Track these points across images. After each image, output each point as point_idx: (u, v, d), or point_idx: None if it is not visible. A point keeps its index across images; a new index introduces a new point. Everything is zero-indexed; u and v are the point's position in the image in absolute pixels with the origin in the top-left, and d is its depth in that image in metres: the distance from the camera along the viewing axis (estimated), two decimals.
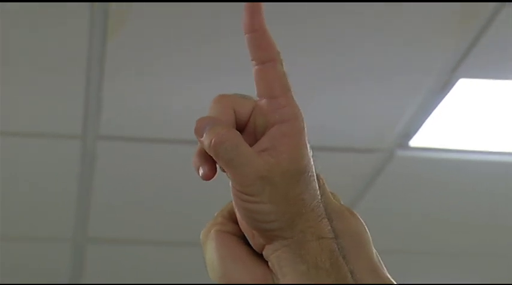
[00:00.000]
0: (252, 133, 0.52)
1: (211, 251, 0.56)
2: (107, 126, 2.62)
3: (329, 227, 0.53)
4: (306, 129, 0.51)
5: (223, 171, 0.50)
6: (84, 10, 2.05)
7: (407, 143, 2.58)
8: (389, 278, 0.61)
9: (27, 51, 2.26)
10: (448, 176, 2.91)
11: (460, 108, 2.48)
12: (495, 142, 2.68)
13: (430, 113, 2.39)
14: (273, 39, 0.52)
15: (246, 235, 0.54)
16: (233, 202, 0.52)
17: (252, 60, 0.52)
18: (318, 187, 0.52)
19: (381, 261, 0.59)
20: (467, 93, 2.40)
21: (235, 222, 0.54)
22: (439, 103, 2.33)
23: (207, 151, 0.49)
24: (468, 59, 2.17)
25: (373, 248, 0.60)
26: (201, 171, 0.51)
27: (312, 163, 0.52)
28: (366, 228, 0.61)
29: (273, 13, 2.20)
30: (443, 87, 2.32)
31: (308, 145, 0.52)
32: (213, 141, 0.49)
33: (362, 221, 0.60)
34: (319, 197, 0.53)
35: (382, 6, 1.95)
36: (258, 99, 0.51)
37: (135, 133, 2.54)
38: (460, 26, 2.04)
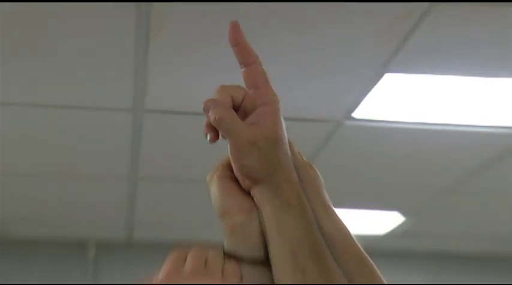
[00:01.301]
0: (244, 112, 0.65)
1: (214, 189, 0.73)
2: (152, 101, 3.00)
3: (296, 176, 0.69)
4: (281, 109, 0.67)
5: (224, 138, 0.65)
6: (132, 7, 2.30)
7: (351, 115, 2.96)
8: (334, 211, 0.80)
9: (90, 41, 2.51)
10: (385, 142, 3.36)
11: (394, 89, 2.85)
12: (422, 115, 3.07)
13: (370, 91, 2.75)
14: (251, 47, 0.67)
15: (238, 179, 0.71)
16: (230, 157, 0.68)
17: (240, 64, 0.66)
18: (289, 149, 0.69)
19: (329, 200, 0.78)
20: (396, 84, 2.81)
21: (231, 170, 0.69)
22: (375, 85, 2.71)
23: (212, 123, 0.64)
24: (398, 56, 2.48)
25: (325, 191, 0.79)
26: (208, 137, 0.65)
27: (285, 133, 0.68)
28: (321, 177, 0.77)
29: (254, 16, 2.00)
30: (375, 79, 2.67)
31: (282, 121, 0.68)
32: (216, 117, 0.62)
33: (318, 172, 0.78)
34: (290, 156, 0.69)
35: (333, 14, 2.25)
36: (247, 89, 0.67)
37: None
38: (391, 26, 2.27)
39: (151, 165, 3.96)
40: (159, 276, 0.76)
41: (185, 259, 0.82)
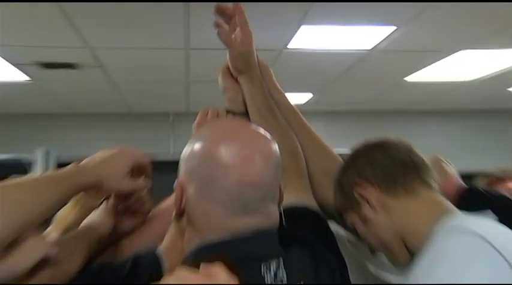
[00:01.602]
0: (233, 29, 1.36)
1: (220, 79, 1.46)
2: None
3: (258, 70, 1.42)
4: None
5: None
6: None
7: (287, 46, 4.14)
8: (279, 87, 1.51)
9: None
10: (312, 64, 4.62)
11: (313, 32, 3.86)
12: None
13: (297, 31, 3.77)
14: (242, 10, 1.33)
15: (232, 72, 1.42)
16: (228, 61, 1.41)
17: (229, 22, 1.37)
18: (256, 57, 1.41)
19: (276, 81, 1.50)
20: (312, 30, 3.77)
21: (228, 68, 1.42)
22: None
23: (223, 42, 1.37)
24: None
25: (273, 76, 1.51)
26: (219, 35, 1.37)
27: (254, 49, 1.38)
28: (270, 69, 1.50)
29: None
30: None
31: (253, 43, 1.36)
32: (223, 38, 1.36)
33: (269, 67, 1.50)
34: (257, 61, 1.42)
35: None
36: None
37: None
38: None
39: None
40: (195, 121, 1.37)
41: (208, 113, 1.42)
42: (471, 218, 1.15)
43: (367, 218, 1.29)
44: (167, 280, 0.91)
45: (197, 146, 1.04)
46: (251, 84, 1.41)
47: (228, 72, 1.45)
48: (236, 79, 1.44)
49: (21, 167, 1.23)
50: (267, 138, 1.06)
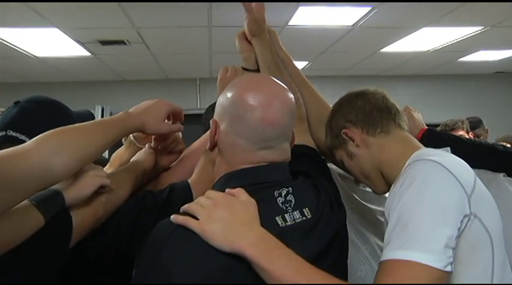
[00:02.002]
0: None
1: (236, 42, 1.46)
2: None
3: (268, 35, 1.41)
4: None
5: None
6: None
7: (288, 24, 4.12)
8: (284, 49, 1.47)
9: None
10: (307, 37, 4.53)
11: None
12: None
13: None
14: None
15: (247, 35, 1.42)
16: (245, 27, 1.41)
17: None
18: (267, 26, 1.40)
19: (282, 44, 1.45)
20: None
21: (244, 33, 1.43)
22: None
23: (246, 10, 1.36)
24: None
25: (280, 40, 1.46)
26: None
27: (266, 19, 1.38)
28: (277, 34, 1.45)
29: None
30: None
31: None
32: (246, 6, 1.36)
33: (276, 32, 1.44)
34: (267, 29, 1.41)
35: None
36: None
37: None
38: None
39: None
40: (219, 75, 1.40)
41: (227, 70, 1.43)
42: (434, 152, 1.14)
43: (352, 154, 1.28)
44: (199, 199, 0.93)
45: (230, 92, 1.03)
46: (262, 45, 1.38)
47: (244, 37, 1.43)
48: (250, 42, 1.41)
49: (92, 117, 1.23)
50: (285, 88, 1.04)
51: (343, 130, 1.28)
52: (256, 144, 0.98)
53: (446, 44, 5.11)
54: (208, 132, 1.09)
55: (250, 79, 1.09)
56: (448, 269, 0.90)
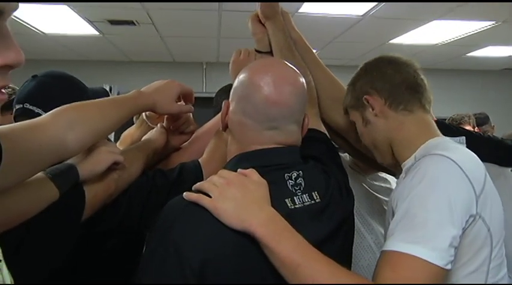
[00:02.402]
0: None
1: (249, 24, 1.44)
2: None
3: (282, 18, 1.40)
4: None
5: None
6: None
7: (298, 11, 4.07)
8: (298, 31, 1.44)
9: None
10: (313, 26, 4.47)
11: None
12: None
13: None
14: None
15: (260, 18, 1.41)
16: (259, 10, 1.40)
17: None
18: (280, 8, 1.40)
19: (295, 26, 1.41)
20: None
21: (257, 15, 1.42)
22: None
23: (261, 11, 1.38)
24: None
25: (294, 24, 1.42)
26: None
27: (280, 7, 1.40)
28: (291, 18, 1.42)
29: None
30: None
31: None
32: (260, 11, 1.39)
33: (287, 12, 1.42)
34: (281, 16, 1.40)
35: None
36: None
37: None
38: None
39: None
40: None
41: (240, 52, 1.42)
42: (450, 144, 1.12)
43: (368, 121, 1.25)
44: (212, 177, 0.94)
45: (242, 75, 1.04)
46: (276, 28, 1.37)
47: (257, 19, 1.42)
48: (263, 24, 1.41)
49: (107, 94, 1.24)
50: (296, 71, 1.04)
51: (365, 96, 1.24)
52: (263, 124, 0.98)
53: (456, 38, 5.06)
54: (220, 113, 1.09)
55: (263, 62, 1.10)
56: (448, 267, 0.91)
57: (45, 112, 0.97)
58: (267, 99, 0.97)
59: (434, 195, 0.95)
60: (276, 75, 0.99)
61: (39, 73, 1.25)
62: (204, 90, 6.54)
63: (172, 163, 1.32)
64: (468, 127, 3.23)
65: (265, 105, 0.97)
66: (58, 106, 0.97)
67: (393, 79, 1.22)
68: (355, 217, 1.15)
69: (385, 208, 1.56)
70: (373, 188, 1.69)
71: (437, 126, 1.76)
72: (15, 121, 1.03)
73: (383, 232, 1.53)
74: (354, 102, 1.28)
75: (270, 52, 1.38)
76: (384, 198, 1.67)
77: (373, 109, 1.22)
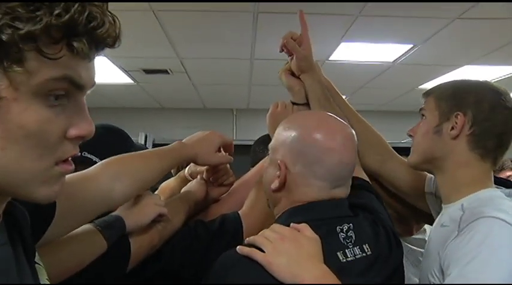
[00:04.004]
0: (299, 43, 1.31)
1: (283, 78, 1.43)
2: None
3: (318, 71, 1.39)
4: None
5: (289, 55, 1.34)
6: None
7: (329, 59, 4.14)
8: (332, 83, 1.45)
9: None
10: (346, 73, 4.52)
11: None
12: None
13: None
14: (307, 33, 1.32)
15: (295, 71, 1.38)
16: (291, 63, 1.38)
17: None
18: (315, 63, 1.36)
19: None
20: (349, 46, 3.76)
21: (290, 69, 1.40)
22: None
23: (289, 48, 1.32)
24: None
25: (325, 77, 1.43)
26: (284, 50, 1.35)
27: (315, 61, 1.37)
28: (319, 64, 1.40)
29: None
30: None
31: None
32: (290, 46, 1.33)
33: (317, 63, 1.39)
34: (316, 67, 1.38)
35: None
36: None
37: None
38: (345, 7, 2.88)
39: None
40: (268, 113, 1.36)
41: (278, 105, 1.40)
42: (502, 204, 1.08)
43: (439, 132, 1.19)
44: (264, 231, 0.94)
45: (295, 132, 1.02)
46: (313, 80, 1.37)
47: (290, 73, 1.41)
48: (297, 77, 1.40)
49: (143, 148, 1.27)
50: (347, 125, 1.07)
51: (457, 112, 1.17)
52: (332, 183, 1.00)
53: None
54: (259, 165, 1.10)
55: (314, 117, 1.10)
56: None
57: (101, 160, 1.00)
58: (341, 162, 0.99)
59: (495, 261, 0.94)
60: (338, 134, 1.01)
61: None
62: (235, 137, 6.60)
63: (211, 215, 1.34)
64: (510, 173, 3.15)
65: (339, 168, 0.99)
66: (110, 156, 0.99)
67: (488, 115, 1.14)
68: None
69: (420, 259, 1.53)
70: (407, 240, 1.68)
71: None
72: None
73: (417, 280, 1.50)
74: (441, 107, 1.21)
75: (307, 104, 1.38)
76: (419, 249, 1.65)
77: (453, 128, 1.16)
